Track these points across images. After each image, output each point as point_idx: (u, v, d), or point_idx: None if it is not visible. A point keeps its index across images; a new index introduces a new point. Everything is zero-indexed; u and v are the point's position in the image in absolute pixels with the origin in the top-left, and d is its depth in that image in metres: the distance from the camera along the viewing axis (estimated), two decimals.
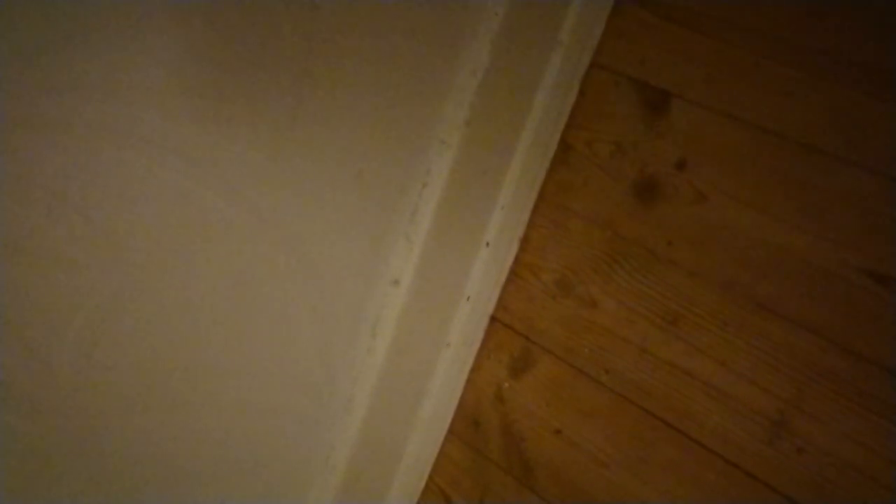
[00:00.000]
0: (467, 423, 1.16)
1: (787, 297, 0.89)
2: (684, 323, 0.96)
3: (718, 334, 0.94)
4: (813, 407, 0.88)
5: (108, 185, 0.66)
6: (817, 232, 0.87)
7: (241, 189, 0.77)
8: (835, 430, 0.87)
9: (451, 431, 1.17)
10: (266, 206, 0.80)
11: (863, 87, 0.84)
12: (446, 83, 0.90)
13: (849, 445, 0.87)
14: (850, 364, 0.86)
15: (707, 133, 0.93)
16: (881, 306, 0.84)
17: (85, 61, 0.61)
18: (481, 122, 0.94)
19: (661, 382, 0.98)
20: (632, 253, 0.99)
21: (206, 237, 0.76)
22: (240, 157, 0.75)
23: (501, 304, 1.11)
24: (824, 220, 0.87)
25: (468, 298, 1.08)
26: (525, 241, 1.08)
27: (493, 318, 1.12)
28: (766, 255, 0.90)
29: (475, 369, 1.14)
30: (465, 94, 0.92)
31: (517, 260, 1.09)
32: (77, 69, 0.61)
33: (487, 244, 1.06)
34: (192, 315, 0.80)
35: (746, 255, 0.91)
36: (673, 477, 0.98)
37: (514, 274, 1.10)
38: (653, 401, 0.98)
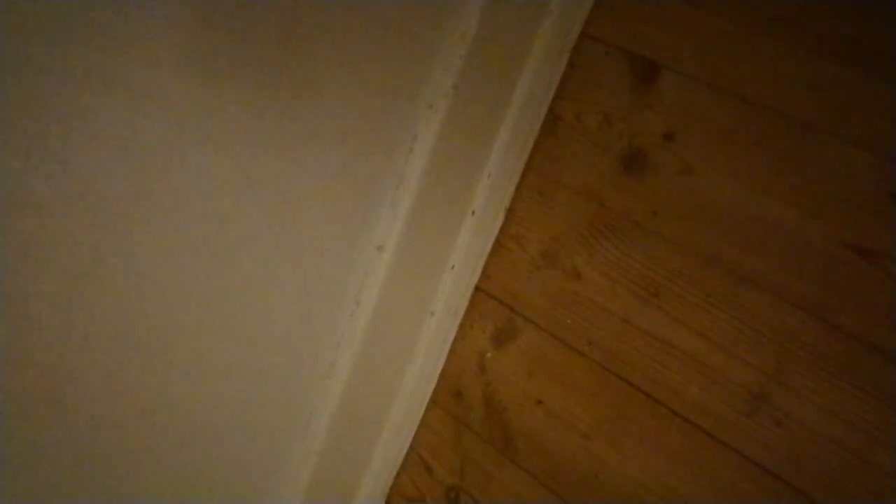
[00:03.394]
0: (450, 393, 1.16)
1: (770, 271, 0.89)
2: (667, 295, 0.96)
3: (701, 306, 0.94)
4: (793, 380, 0.88)
5: (89, 134, 0.65)
6: (803, 206, 0.87)
7: (225, 146, 0.76)
8: (814, 404, 0.87)
9: (433, 401, 1.17)
10: (249, 165, 0.80)
11: (853, 64, 0.83)
12: (434, 47, 0.90)
13: (828, 419, 0.87)
14: (831, 338, 0.86)
15: (696, 105, 0.93)
16: (865, 281, 0.84)
17: (70, 7, 0.60)
18: (469, 88, 0.94)
19: (643, 354, 0.98)
20: (617, 225, 0.99)
21: (188, 194, 0.76)
22: (224, 114, 0.75)
23: (486, 273, 1.11)
24: (810, 195, 0.87)
25: (453, 267, 1.08)
26: (511, 212, 1.08)
27: (477, 288, 1.12)
28: (750, 229, 0.90)
29: (458, 339, 1.14)
30: (454, 59, 0.91)
31: (503, 230, 1.09)
32: (62, 16, 0.60)
33: (473, 213, 1.05)
34: (171, 273, 0.79)
35: (731, 228, 0.91)
36: (652, 448, 0.98)
37: (499, 244, 1.09)
38: (634, 372, 0.99)
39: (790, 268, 0.88)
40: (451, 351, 1.15)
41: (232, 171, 0.78)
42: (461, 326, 1.14)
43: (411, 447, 1.20)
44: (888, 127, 0.82)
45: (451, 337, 1.14)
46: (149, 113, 0.69)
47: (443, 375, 1.16)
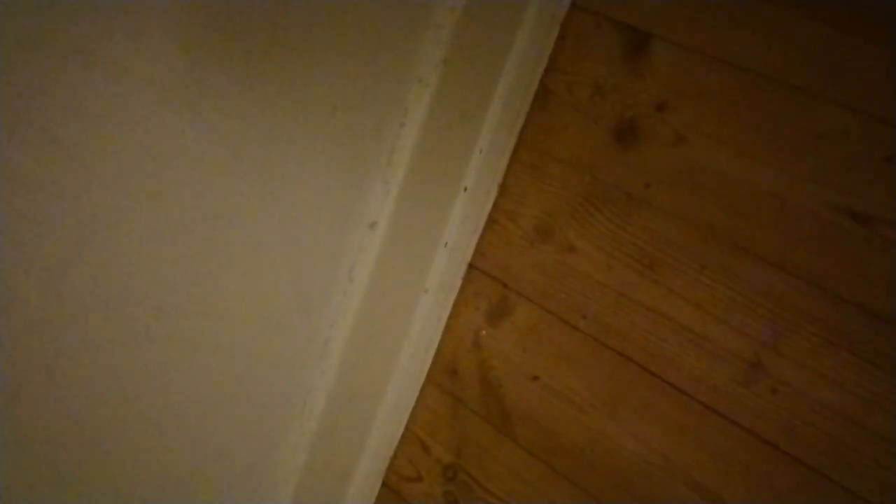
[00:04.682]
0: (445, 371, 1.15)
1: (765, 239, 0.89)
2: (662, 266, 0.95)
3: (696, 277, 0.93)
4: (789, 348, 0.88)
5: (75, 108, 0.64)
6: (797, 172, 0.87)
7: (214, 120, 0.75)
8: (811, 371, 0.87)
9: (428, 379, 1.17)
10: (239, 139, 0.79)
11: (845, 27, 0.83)
12: (423, 19, 0.89)
13: (825, 386, 0.87)
14: (827, 305, 0.86)
15: (688, 74, 0.92)
16: (861, 246, 0.84)
17: None
18: (460, 61, 0.93)
19: (638, 326, 0.97)
20: (610, 197, 0.99)
21: (177, 167, 0.75)
22: (212, 87, 0.74)
23: (479, 250, 1.10)
24: (804, 161, 0.86)
25: (446, 244, 1.07)
26: (503, 187, 1.07)
27: (470, 265, 1.11)
28: (745, 197, 0.90)
29: (453, 316, 1.14)
30: (443, 32, 0.90)
31: (495, 206, 1.08)
32: None
33: (465, 189, 1.05)
34: (163, 249, 0.78)
35: (725, 197, 0.91)
36: (649, 420, 0.98)
37: (492, 220, 1.09)
38: (630, 345, 0.98)
39: (784, 234, 0.88)
40: (446, 328, 1.14)
41: (220, 146, 0.77)
42: (455, 304, 1.13)
43: (407, 426, 1.20)
44: (882, 90, 0.81)
45: (446, 314, 1.14)
46: (135, 86, 0.68)
47: (438, 353, 1.16)
